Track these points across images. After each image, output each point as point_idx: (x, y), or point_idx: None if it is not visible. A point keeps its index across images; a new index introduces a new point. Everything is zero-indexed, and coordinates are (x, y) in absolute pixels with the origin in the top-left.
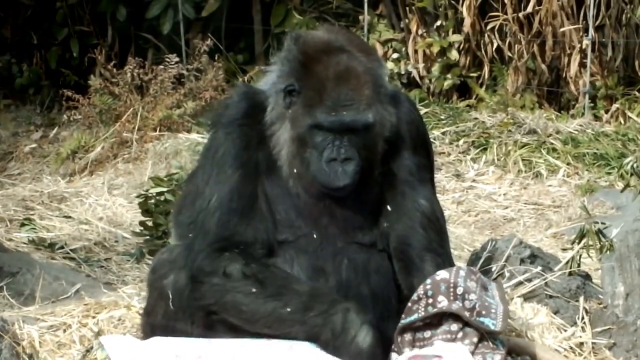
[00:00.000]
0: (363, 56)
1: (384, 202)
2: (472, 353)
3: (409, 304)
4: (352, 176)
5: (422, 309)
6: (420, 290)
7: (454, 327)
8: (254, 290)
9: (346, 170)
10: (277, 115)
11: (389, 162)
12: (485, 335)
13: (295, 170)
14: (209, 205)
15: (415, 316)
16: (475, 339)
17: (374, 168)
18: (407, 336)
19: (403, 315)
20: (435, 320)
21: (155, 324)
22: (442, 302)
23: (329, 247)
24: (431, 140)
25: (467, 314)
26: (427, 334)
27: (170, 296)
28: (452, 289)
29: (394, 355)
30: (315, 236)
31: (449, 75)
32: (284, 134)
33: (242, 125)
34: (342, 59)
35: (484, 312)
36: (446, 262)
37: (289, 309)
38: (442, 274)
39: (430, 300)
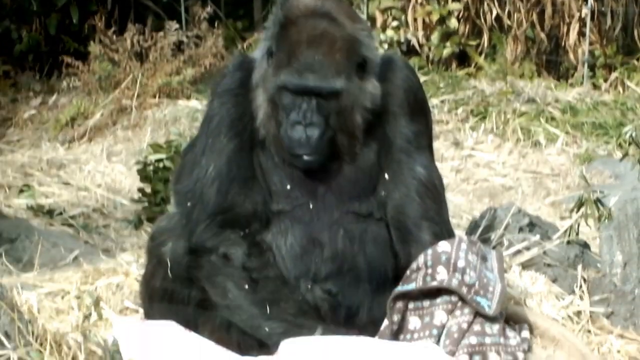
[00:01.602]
0: (348, 24)
1: (382, 170)
2: (471, 322)
3: (407, 273)
4: (315, 145)
5: (421, 279)
6: (420, 259)
7: (454, 298)
8: (246, 286)
9: (309, 137)
10: (258, 77)
11: (385, 129)
12: None
13: (269, 133)
14: (207, 174)
15: (412, 285)
16: (472, 308)
17: (354, 139)
18: (399, 304)
19: (400, 283)
20: (433, 290)
21: (154, 291)
22: (441, 274)
23: (325, 217)
24: (430, 108)
25: (464, 290)
26: (426, 303)
27: (169, 264)
28: (452, 262)
29: (385, 322)
30: (311, 206)
31: (448, 44)
32: (260, 95)
33: (237, 95)
34: (321, 24)
35: (481, 292)
36: (444, 230)
37: (267, 328)
38: (443, 246)
39: (430, 271)
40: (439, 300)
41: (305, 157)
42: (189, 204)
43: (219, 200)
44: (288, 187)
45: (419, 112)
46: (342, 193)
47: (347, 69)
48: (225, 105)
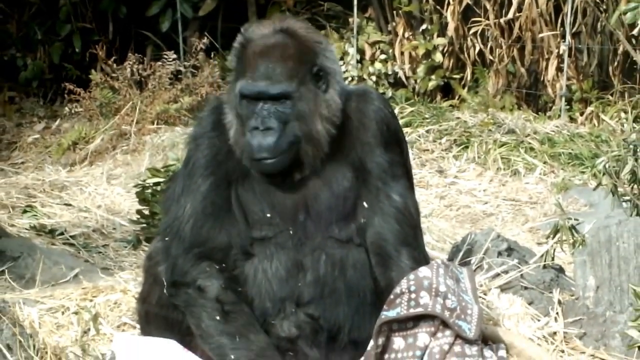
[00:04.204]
0: (303, 37)
1: (359, 199)
2: (452, 344)
3: (392, 297)
4: (273, 148)
5: (405, 304)
6: (404, 284)
7: (436, 321)
8: (217, 317)
9: (267, 141)
10: (228, 103)
11: (361, 159)
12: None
13: (239, 148)
14: (184, 212)
15: (397, 310)
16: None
17: (318, 149)
18: (385, 327)
19: (385, 307)
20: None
21: (150, 309)
22: (425, 299)
23: (308, 243)
24: (405, 137)
25: (447, 314)
26: (410, 324)
27: (165, 283)
28: (434, 287)
29: (371, 344)
30: (291, 232)
31: (433, 77)
32: (230, 115)
33: (212, 137)
34: (276, 38)
35: (462, 316)
36: (421, 255)
37: (233, 356)
38: (424, 271)
39: (413, 296)
40: (422, 322)
41: (266, 162)
42: (167, 239)
43: (194, 235)
44: (268, 215)
45: (393, 142)
46: (320, 219)
47: (300, 75)
48: (200, 147)
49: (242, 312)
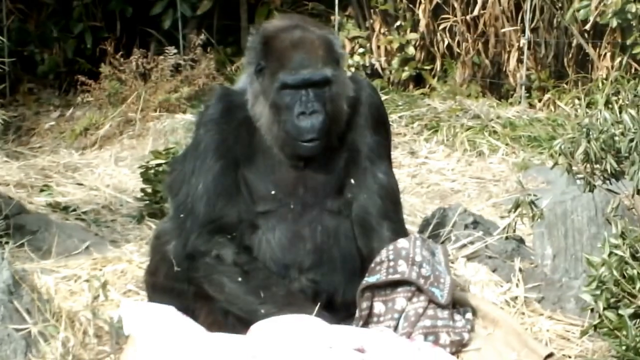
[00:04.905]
0: (318, 30)
1: (348, 176)
2: (426, 308)
3: (372, 265)
4: (320, 129)
5: (384, 271)
6: (383, 254)
7: (412, 287)
8: (239, 279)
9: (314, 123)
10: (254, 96)
11: (353, 139)
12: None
13: (274, 136)
14: (197, 191)
15: (377, 276)
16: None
17: (340, 126)
18: (367, 293)
19: (367, 274)
20: (395, 280)
21: (157, 283)
22: (402, 267)
23: (306, 215)
24: (390, 122)
25: (422, 281)
26: (389, 291)
27: (174, 261)
28: (411, 256)
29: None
30: (292, 206)
31: (406, 68)
32: (260, 107)
33: (220, 123)
34: (297, 32)
35: (435, 283)
36: (400, 228)
37: (263, 310)
38: (402, 242)
39: (392, 264)
40: (399, 289)
41: (311, 144)
42: (181, 215)
43: (208, 212)
44: (273, 192)
45: (381, 125)
46: (317, 194)
47: (330, 62)
48: (210, 132)
49: (259, 269)
